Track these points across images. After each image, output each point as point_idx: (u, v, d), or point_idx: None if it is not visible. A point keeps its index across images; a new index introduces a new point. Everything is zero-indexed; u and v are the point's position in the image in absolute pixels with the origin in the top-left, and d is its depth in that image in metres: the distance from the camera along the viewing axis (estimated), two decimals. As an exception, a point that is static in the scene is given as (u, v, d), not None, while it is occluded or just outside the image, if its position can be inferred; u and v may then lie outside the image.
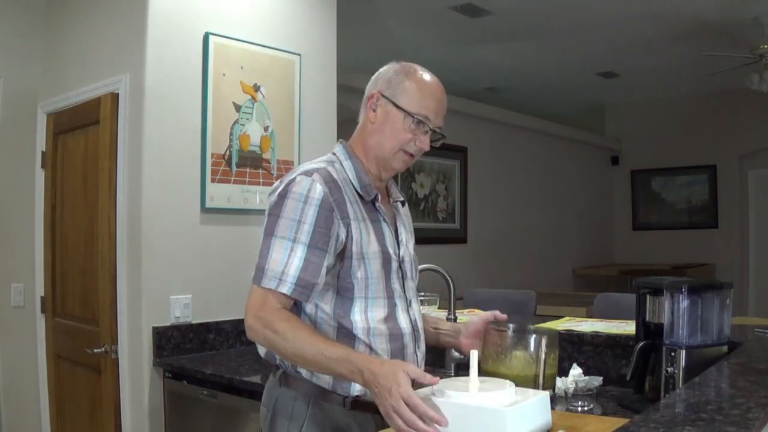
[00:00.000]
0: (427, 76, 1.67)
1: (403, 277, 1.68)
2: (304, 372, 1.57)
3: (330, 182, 1.57)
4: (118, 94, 2.96)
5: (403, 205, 1.81)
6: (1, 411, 3.35)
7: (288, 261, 1.51)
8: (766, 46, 5.41)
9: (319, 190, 1.54)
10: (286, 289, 1.51)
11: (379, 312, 1.60)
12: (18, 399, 3.41)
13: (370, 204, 1.64)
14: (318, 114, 3.47)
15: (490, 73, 6.97)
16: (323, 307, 1.59)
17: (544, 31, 5.66)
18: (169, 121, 2.89)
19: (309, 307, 1.60)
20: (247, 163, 3.12)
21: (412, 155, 1.67)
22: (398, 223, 1.73)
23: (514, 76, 7.07)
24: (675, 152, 8.46)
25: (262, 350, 1.68)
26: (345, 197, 1.58)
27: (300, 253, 1.51)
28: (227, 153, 3.05)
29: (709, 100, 8.03)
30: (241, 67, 3.10)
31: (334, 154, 1.71)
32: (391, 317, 1.62)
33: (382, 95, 1.66)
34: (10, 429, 3.36)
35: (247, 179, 3.12)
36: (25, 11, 3.49)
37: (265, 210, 1.62)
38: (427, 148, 1.66)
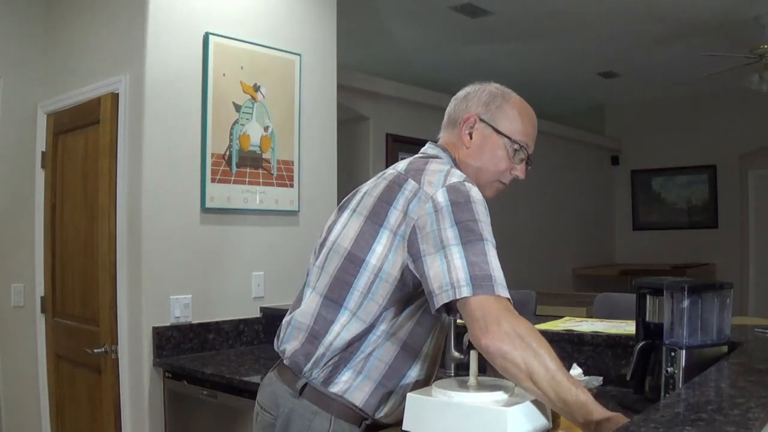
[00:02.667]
0: (523, 100, 1.62)
1: None
2: (344, 377, 1.46)
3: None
4: (118, 94, 2.96)
5: None
6: (1, 411, 3.35)
7: (498, 266, 1.35)
8: (766, 46, 5.40)
9: (483, 199, 1.43)
10: (509, 296, 1.35)
11: (436, 333, 1.53)
12: (18, 399, 3.41)
13: None
14: (318, 114, 3.47)
15: (490, 73, 6.94)
16: (402, 321, 1.46)
17: (544, 31, 5.66)
18: (169, 121, 2.89)
19: (385, 324, 1.45)
20: (247, 163, 3.12)
21: (505, 185, 1.60)
22: None
23: (514, 76, 7.07)
24: (675, 152, 8.46)
25: (290, 350, 1.53)
26: None
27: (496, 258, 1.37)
28: (227, 153, 3.05)
29: (709, 100, 8.03)
30: (241, 67, 3.10)
31: (439, 159, 1.56)
32: (438, 336, 1.56)
33: (480, 119, 1.57)
34: (10, 429, 3.36)
35: (247, 179, 3.12)
36: (25, 11, 3.49)
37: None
38: (522, 176, 1.59)
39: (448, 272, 1.31)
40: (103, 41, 3.12)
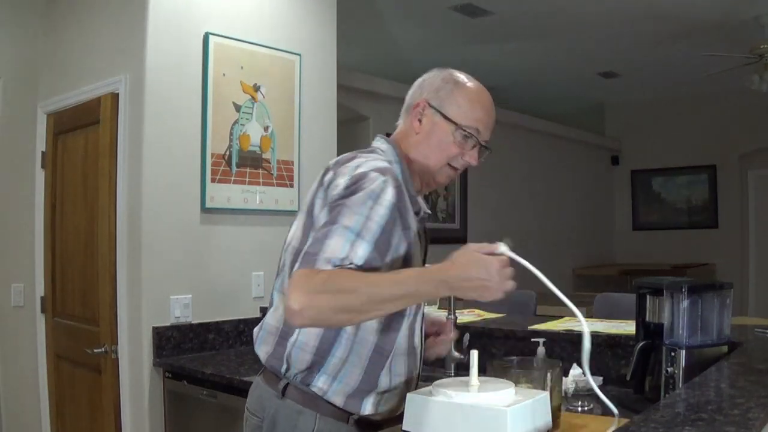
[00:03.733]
0: (476, 85, 1.58)
1: None
2: (320, 383, 1.47)
3: (398, 186, 1.42)
4: (118, 94, 2.96)
5: (427, 218, 1.67)
6: (1, 411, 3.35)
7: (349, 253, 1.32)
8: (766, 46, 5.40)
9: (390, 193, 1.39)
10: (352, 266, 1.33)
11: (402, 330, 1.52)
12: (18, 399, 3.40)
13: (414, 215, 1.51)
14: (318, 114, 3.47)
15: (490, 73, 6.93)
16: (366, 325, 1.46)
17: (544, 31, 5.66)
18: (169, 121, 2.89)
19: (349, 327, 1.46)
20: (247, 163, 3.12)
21: (457, 169, 1.58)
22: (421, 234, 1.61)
23: (514, 76, 7.07)
24: (675, 152, 8.46)
25: (263, 353, 1.56)
26: (407, 204, 1.45)
27: (362, 251, 1.33)
28: (227, 153, 3.05)
29: (709, 100, 8.03)
30: (241, 67, 3.10)
31: (380, 150, 1.57)
32: (410, 334, 1.55)
33: (429, 104, 1.56)
34: (10, 429, 3.36)
35: (247, 179, 3.12)
36: (25, 11, 3.49)
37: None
38: (475, 163, 1.57)
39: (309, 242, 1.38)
40: (103, 41, 3.12)
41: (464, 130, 1.53)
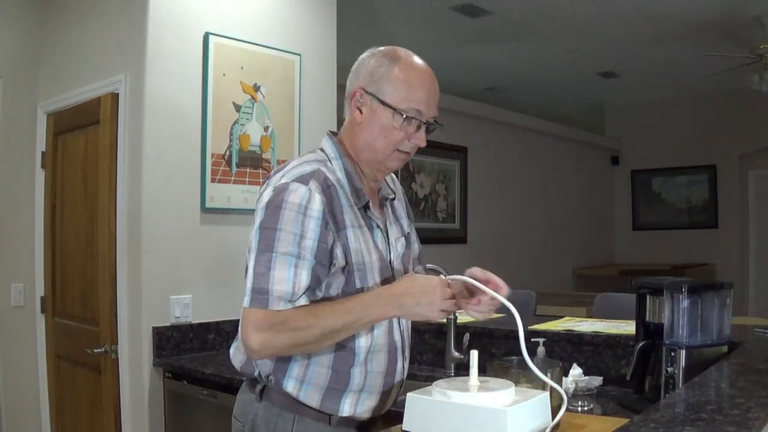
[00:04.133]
0: (412, 62, 1.50)
1: None
2: (289, 388, 1.47)
3: (326, 189, 1.42)
4: (118, 94, 2.96)
5: (393, 200, 1.65)
6: (1, 411, 3.35)
7: (295, 280, 1.37)
8: (766, 46, 5.40)
9: (317, 200, 1.39)
10: (285, 306, 1.38)
11: (380, 326, 1.50)
12: (18, 399, 3.40)
13: (362, 209, 1.50)
14: (318, 114, 3.47)
15: (490, 73, 6.97)
16: None
17: (544, 31, 5.66)
18: (169, 121, 2.89)
19: None
20: (247, 163, 3.12)
21: (408, 153, 1.53)
22: (388, 225, 1.59)
23: (514, 76, 7.07)
24: (675, 152, 8.46)
25: (237, 362, 1.57)
26: (341, 203, 1.44)
27: (306, 272, 1.37)
28: (227, 153, 3.05)
29: (709, 100, 8.03)
30: (241, 67, 3.10)
31: (322, 150, 1.55)
32: (389, 331, 1.53)
33: (366, 91, 1.48)
34: (10, 429, 3.36)
35: (247, 179, 3.12)
36: (25, 11, 3.49)
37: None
38: (423, 144, 1.51)
39: (247, 278, 1.42)
40: (103, 41, 3.12)
41: (404, 114, 1.46)
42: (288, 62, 3.30)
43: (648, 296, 1.94)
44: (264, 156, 3.19)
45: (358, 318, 1.39)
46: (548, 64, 6.70)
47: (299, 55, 3.35)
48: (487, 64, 6.57)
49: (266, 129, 3.20)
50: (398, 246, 1.61)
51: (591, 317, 3.01)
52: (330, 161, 1.51)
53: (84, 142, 3.17)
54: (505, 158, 7.25)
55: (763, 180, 8.10)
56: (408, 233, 1.68)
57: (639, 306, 1.98)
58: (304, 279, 1.37)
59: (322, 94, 3.51)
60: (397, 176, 1.78)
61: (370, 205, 1.52)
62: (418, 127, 1.49)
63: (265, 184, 1.49)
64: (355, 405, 1.50)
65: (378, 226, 1.54)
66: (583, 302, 5.14)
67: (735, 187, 8.21)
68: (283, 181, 1.42)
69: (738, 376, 1.52)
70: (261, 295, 1.37)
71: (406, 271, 1.61)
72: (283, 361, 1.47)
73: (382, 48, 1.53)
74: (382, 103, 1.47)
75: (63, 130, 3.36)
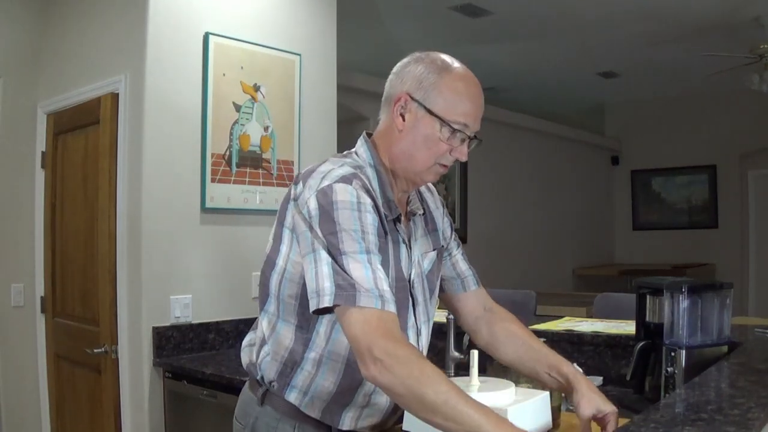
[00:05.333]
0: (463, 72, 1.42)
1: (413, 303, 1.48)
2: (291, 397, 1.43)
3: (368, 192, 1.34)
4: (118, 94, 2.96)
5: (423, 215, 1.56)
6: (1, 411, 3.35)
7: (374, 276, 1.25)
8: (766, 46, 5.40)
9: (366, 197, 1.32)
10: (393, 308, 1.25)
11: None
12: (18, 399, 3.40)
13: (391, 222, 1.41)
14: (318, 114, 3.47)
15: (490, 73, 6.96)
16: (338, 338, 1.38)
17: (544, 31, 5.66)
18: (169, 121, 2.89)
19: (319, 341, 1.40)
20: (247, 163, 3.12)
21: (446, 167, 1.45)
22: (413, 240, 1.50)
23: (514, 76, 7.07)
24: (675, 152, 8.47)
25: (246, 360, 1.53)
26: (380, 211, 1.37)
27: (380, 266, 1.28)
28: (227, 153, 3.05)
29: (709, 100, 8.03)
30: (241, 67, 3.10)
31: (356, 154, 1.46)
32: None
33: (412, 98, 1.40)
34: (10, 429, 3.36)
35: (247, 179, 3.12)
36: (25, 11, 3.49)
37: (275, 214, 1.41)
38: (464, 159, 1.43)
39: (316, 279, 1.27)
40: (103, 41, 3.12)
41: (452, 126, 1.39)
42: (288, 62, 3.30)
43: (648, 296, 1.94)
44: (264, 156, 3.19)
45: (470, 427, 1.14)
46: (548, 64, 6.70)
47: (299, 55, 3.35)
48: (487, 64, 6.56)
49: (266, 129, 3.20)
50: (424, 262, 1.52)
51: (591, 317, 3.01)
52: (365, 167, 1.43)
53: (84, 142, 3.17)
54: (505, 158, 7.25)
55: (763, 180, 8.10)
56: (442, 246, 1.61)
57: (639, 306, 1.98)
58: (381, 275, 1.27)
59: (322, 94, 3.51)
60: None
61: (402, 218, 1.46)
62: (462, 141, 1.42)
63: (298, 186, 1.38)
64: (356, 420, 1.47)
65: (403, 241, 1.45)
66: (583, 302, 5.14)
67: (735, 187, 8.21)
68: (326, 183, 1.33)
69: (738, 376, 1.52)
70: (347, 292, 1.24)
71: (430, 290, 1.53)
72: (289, 367, 1.43)
73: (429, 53, 1.45)
74: (429, 112, 1.39)
75: (63, 130, 3.36)
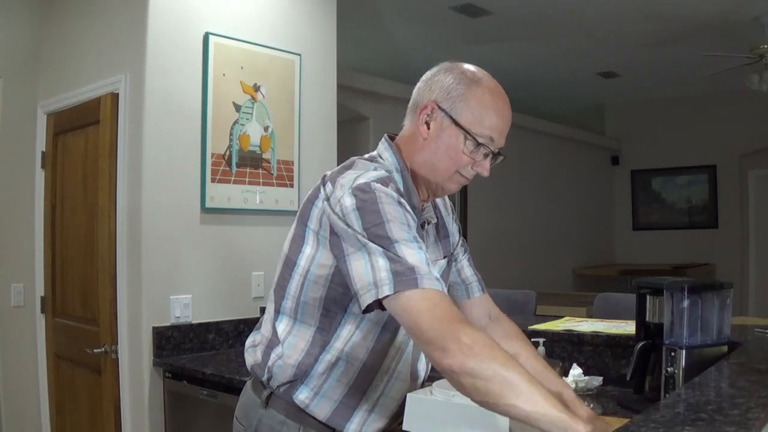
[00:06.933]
0: (493, 86, 1.41)
1: None
2: (301, 397, 1.42)
3: (402, 197, 1.32)
4: (118, 94, 2.96)
5: (437, 224, 1.56)
6: (1, 411, 3.35)
7: (419, 256, 1.23)
8: (766, 46, 5.40)
9: (402, 199, 1.31)
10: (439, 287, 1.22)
11: (406, 354, 1.45)
12: (18, 399, 3.40)
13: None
14: (318, 114, 3.47)
15: (490, 73, 6.96)
16: (359, 342, 1.39)
17: (544, 31, 5.66)
18: (169, 120, 2.89)
19: (338, 344, 1.40)
20: (247, 163, 3.12)
21: (467, 178, 1.44)
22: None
23: (514, 76, 7.07)
24: (675, 152, 8.47)
25: (250, 361, 1.52)
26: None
27: (423, 248, 1.26)
28: (227, 153, 3.05)
29: (709, 100, 8.03)
30: (241, 67, 3.10)
31: (381, 157, 1.44)
32: (413, 360, 1.49)
33: (439, 107, 1.38)
34: (10, 429, 3.36)
35: (247, 179, 3.12)
36: (25, 11, 3.49)
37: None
38: (485, 174, 1.42)
39: (372, 271, 1.22)
40: (103, 41, 3.12)
41: (477, 139, 1.37)
42: (288, 62, 3.30)
43: (648, 296, 1.94)
44: (264, 156, 3.19)
45: (540, 419, 1.12)
46: (548, 64, 6.70)
47: (299, 55, 3.35)
48: (487, 64, 6.52)
49: (266, 129, 3.20)
50: (434, 270, 1.55)
51: (591, 317, 3.01)
52: (393, 172, 1.40)
53: (84, 142, 3.17)
54: (505, 158, 7.24)
55: (763, 180, 8.10)
56: (452, 252, 1.61)
57: (639, 306, 1.98)
58: (423, 255, 1.24)
59: (322, 94, 3.51)
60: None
61: (426, 225, 1.45)
62: (485, 156, 1.40)
63: (327, 186, 1.35)
64: (363, 424, 1.46)
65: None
66: (583, 302, 5.15)
67: (735, 187, 8.21)
68: (362, 181, 1.30)
69: (738, 376, 1.52)
70: (407, 276, 1.19)
71: None
72: (303, 371, 1.42)
73: (459, 64, 1.44)
74: (455, 122, 1.38)
75: (63, 130, 3.36)
